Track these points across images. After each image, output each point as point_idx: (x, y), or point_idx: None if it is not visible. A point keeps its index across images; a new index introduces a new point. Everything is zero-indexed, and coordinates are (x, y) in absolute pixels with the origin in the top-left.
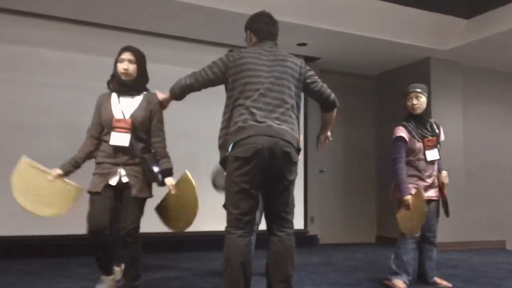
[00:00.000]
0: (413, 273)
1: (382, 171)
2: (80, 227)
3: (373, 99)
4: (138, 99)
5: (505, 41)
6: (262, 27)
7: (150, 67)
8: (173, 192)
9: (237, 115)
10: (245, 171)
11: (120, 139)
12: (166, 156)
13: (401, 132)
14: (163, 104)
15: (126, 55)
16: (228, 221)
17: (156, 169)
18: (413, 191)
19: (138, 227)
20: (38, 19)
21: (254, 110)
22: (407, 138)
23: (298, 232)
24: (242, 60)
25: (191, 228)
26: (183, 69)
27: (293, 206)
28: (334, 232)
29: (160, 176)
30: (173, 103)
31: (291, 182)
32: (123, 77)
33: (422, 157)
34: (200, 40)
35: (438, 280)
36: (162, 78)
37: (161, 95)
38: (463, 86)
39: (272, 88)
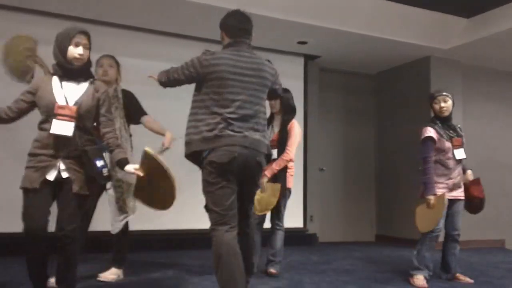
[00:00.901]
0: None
1: (381, 169)
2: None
3: (373, 97)
4: (84, 86)
5: (505, 40)
6: (234, 23)
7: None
8: (141, 174)
9: (213, 122)
10: (221, 173)
11: (62, 127)
12: (119, 146)
13: (430, 132)
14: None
15: (83, 39)
16: (212, 219)
17: (99, 163)
18: (441, 191)
19: (77, 227)
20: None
21: (231, 121)
22: (436, 138)
23: (297, 230)
24: (218, 67)
25: (189, 226)
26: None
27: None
28: (333, 231)
29: (106, 171)
30: (173, 103)
31: (258, 186)
32: (75, 63)
33: (451, 156)
34: (200, 37)
35: (460, 276)
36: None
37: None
38: (463, 85)
39: (248, 100)
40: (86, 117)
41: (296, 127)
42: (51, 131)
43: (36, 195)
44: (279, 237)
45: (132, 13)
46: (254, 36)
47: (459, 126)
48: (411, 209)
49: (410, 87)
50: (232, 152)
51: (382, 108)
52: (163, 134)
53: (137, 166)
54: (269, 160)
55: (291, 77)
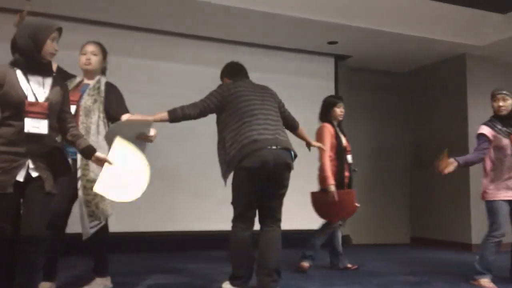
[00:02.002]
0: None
1: (415, 169)
2: None
3: (404, 96)
4: (49, 81)
5: None
6: (232, 68)
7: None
8: (113, 163)
9: (245, 132)
10: (251, 178)
11: (36, 125)
12: (82, 136)
13: (483, 129)
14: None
15: (58, 35)
16: (234, 217)
17: (68, 160)
18: (503, 193)
19: (45, 229)
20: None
21: (260, 128)
22: (489, 135)
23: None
24: (237, 93)
25: (196, 228)
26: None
27: (282, 206)
28: (366, 233)
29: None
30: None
31: (286, 188)
32: (49, 58)
33: (510, 153)
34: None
35: None
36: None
37: (149, 117)
38: (501, 82)
39: (267, 112)
40: (54, 114)
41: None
42: (26, 130)
43: (7, 199)
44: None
45: (144, 14)
46: (284, 37)
47: None
48: (448, 210)
49: (444, 86)
50: (263, 156)
51: (414, 107)
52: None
53: (102, 155)
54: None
55: (321, 77)
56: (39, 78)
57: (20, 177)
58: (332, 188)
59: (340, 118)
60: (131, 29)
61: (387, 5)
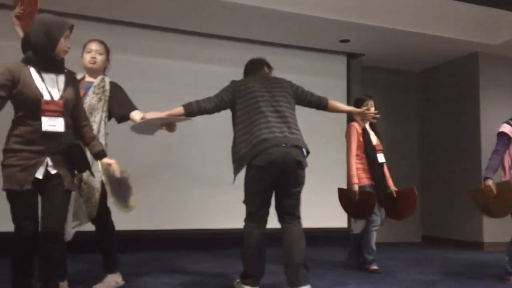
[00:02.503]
0: None
1: (426, 168)
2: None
3: (417, 95)
4: (62, 78)
5: None
6: (248, 67)
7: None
8: (117, 173)
9: (254, 131)
10: (261, 177)
11: (53, 124)
12: (95, 138)
13: (504, 128)
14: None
15: (69, 33)
16: (246, 215)
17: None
18: None
19: (64, 225)
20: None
21: (269, 126)
22: (510, 134)
23: (341, 230)
24: (246, 89)
25: (209, 226)
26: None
27: (299, 203)
28: (378, 231)
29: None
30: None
31: (301, 186)
32: (62, 55)
33: None
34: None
35: None
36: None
37: (166, 112)
38: None
39: (277, 109)
40: (69, 111)
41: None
42: (43, 129)
43: (28, 196)
44: None
45: (157, 13)
46: (296, 36)
47: None
48: (460, 208)
49: (456, 84)
50: (273, 154)
51: (426, 106)
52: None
53: (114, 161)
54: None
55: (333, 76)
56: (53, 76)
57: (39, 174)
58: (355, 187)
59: None
60: (133, 26)
61: (400, 3)
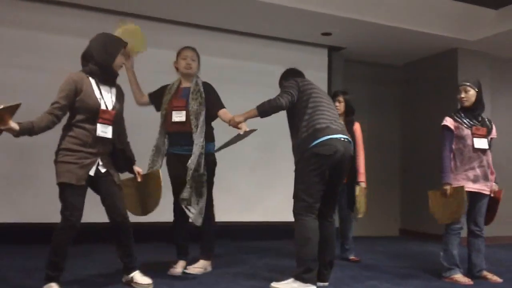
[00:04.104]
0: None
1: (406, 162)
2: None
3: (399, 89)
4: (113, 91)
5: None
6: (293, 73)
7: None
8: (139, 179)
9: (318, 118)
10: (322, 166)
11: (105, 130)
12: (129, 144)
13: (446, 121)
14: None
15: (124, 50)
16: (301, 207)
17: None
18: (462, 182)
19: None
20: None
21: (331, 118)
22: (452, 127)
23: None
24: (308, 85)
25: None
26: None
27: None
28: (355, 225)
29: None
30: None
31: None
32: (117, 69)
33: (470, 143)
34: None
35: (487, 274)
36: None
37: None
38: (492, 77)
39: (330, 105)
40: (118, 121)
41: (359, 128)
42: (98, 134)
43: (81, 191)
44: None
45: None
46: (278, 27)
47: (489, 119)
48: None
49: (436, 79)
50: (335, 146)
51: (407, 100)
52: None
53: (140, 170)
54: None
55: (314, 68)
56: (108, 88)
57: (92, 172)
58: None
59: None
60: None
61: None
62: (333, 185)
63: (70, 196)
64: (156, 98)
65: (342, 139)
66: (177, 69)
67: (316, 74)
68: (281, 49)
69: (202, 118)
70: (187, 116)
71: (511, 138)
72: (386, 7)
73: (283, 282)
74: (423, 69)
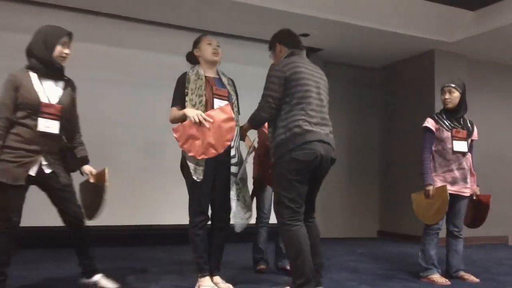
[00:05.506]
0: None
1: (385, 164)
2: None
3: (378, 91)
4: (61, 84)
5: (511, 33)
6: (292, 36)
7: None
8: (92, 180)
9: (297, 120)
10: (302, 172)
11: (49, 126)
12: (83, 143)
13: (427, 123)
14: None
15: (68, 41)
16: (287, 214)
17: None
18: (439, 184)
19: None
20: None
21: (314, 117)
22: (433, 128)
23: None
24: (296, 74)
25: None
26: None
27: None
28: (335, 226)
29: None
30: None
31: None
32: (59, 61)
33: (450, 146)
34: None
35: (464, 274)
36: None
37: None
38: (468, 79)
39: (320, 101)
40: (66, 115)
41: None
42: (39, 129)
43: (19, 191)
44: None
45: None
46: (254, 28)
47: (471, 121)
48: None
49: (414, 81)
50: (315, 150)
51: (386, 102)
52: None
53: (93, 170)
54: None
55: None
56: (51, 81)
57: (33, 172)
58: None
59: None
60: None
61: None
62: (312, 186)
63: (7, 196)
64: (184, 97)
65: (325, 141)
66: (195, 58)
67: None
68: (258, 49)
69: (235, 109)
70: (231, 108)
71: (486, 140)
72: (364, 9)
73: None
74: (401, 70)
